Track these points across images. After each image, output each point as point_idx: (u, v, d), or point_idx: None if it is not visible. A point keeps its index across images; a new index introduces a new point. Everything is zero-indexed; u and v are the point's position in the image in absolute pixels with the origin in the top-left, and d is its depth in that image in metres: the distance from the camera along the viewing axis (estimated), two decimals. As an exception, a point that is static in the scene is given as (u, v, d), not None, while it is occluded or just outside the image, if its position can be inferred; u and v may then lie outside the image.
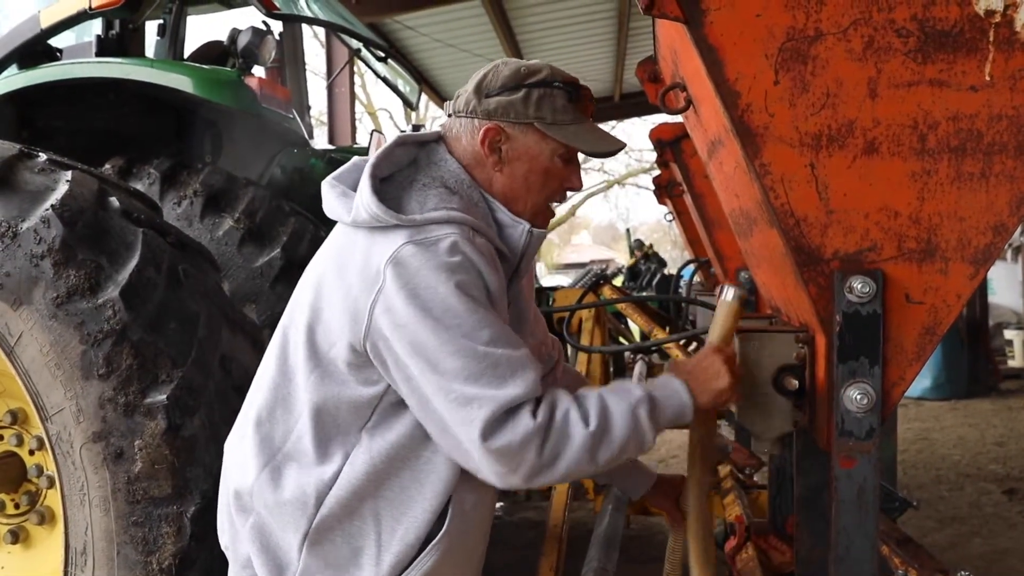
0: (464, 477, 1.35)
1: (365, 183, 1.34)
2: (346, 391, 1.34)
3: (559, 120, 1.42)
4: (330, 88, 7.06)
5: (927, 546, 1.77)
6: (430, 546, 1.33)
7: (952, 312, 1.18)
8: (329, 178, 1.46)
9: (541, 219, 1.48)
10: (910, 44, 1.14)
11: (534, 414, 1.26)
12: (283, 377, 1.40)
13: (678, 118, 1.75)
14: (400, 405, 1.35)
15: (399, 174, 1.43)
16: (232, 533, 1.46)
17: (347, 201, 1.38)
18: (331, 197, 1.43)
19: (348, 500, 1.33)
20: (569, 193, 1.55)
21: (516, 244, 1.44)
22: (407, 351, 1.26)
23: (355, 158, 1.49)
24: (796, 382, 1.33)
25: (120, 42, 2.83)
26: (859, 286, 1.17)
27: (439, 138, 1.49)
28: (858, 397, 1.19)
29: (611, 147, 1.47)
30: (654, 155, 3.57)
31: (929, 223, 1.17)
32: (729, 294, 1.41)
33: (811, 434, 1.35)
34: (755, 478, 2.84)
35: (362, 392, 1.34)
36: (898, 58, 1.14)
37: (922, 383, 7.65)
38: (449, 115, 1.49)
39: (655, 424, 1.32)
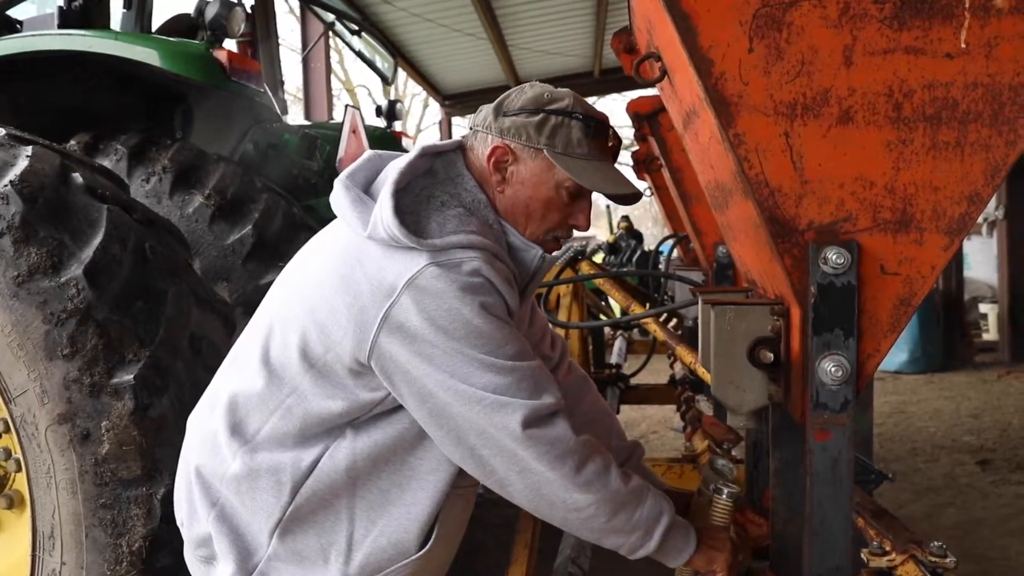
0: (453, 496, 1.35)
1: (387, 202, 1.28)
2: (342, 393, 1.32)
3: (571, 152, 1.38)
4: (305, 63, 6.96)
5: (902, 517, 1.78)
6: (410, 559, 1.33)
7: (927, 283, 1.17)
8: (343, 176, 1.38)
9: (545, 248, 1.47)
10: (886, 11, 1.11)
11: (567, 424, 1.30)
12: (267, 369, 1.36)
13: (655, 90, 1.72)
14: (398, 409, 1.33)
15: (416, 183, 1.38)
16: (190, 511, 1.42)
17: (363, 210, 1.32)
18: (345, 201, 1.35)
19: (324, 494, 1.32)
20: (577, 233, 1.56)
21: (528, 267, 1.44)
22: (424, 369, 1.25)
23: (369, 152, 1.44)
24: (771, 355, 1.32)
25: (84, 14, 2.75)
26: (834, 257, 1.16)
27: (459, 147, 1.47)
28: (833, 369, 1.18)
29: (622, 190, 1.42)
30: (632, 132, 3.54)
31: (904, 193, 1.16)
32: (723, 493, 1.54)
33: (786, 407, 1.34)
34: (733, 452, 2.86)
35: (362, 396, 1.32)
36: (874, 25, 1.12)
37: (899, 357, 7.75)
38: (471, 128, 1.48)
39: (664, 539, 1.38)
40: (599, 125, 1.41)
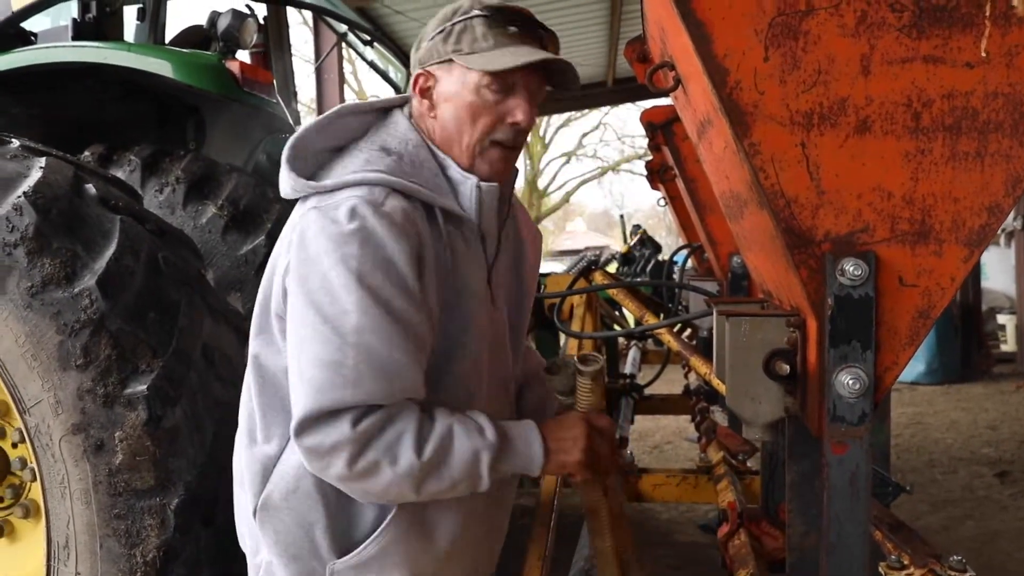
0: None
1: (284, 154, 1.28)
2: (280, 360, 1.28)
3: (478, 48, 1.28)
4: (318, 73, 6.99)
5: (920, 529, 1.76)
6: (380, 529, 1.27)
7: (946, 295, 1.15)
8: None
9: (487, 166, 1.32)
10: (904, 19, 1.10)
11: (356, 423, 1.15)
12: (253, 363, 1.36)
13: (669, 100, 1.71)
14: None
15: (352, 144, 1.33)
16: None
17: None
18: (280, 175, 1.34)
19: (292, 477, 1.28)
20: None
21: (468, 202, 1.32)
22: (290, 324, 1.21)
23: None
24: (787, 367, 1.30)
25: (97, 25, 2.77)
26: (851, 269, 1.14)
27: (406, 102, 1.40)
28: (850, 382, 1.16)
29: (531, 58, 1.27)
30: (646, 141, 3.53)
31: (923, 204, 1.14)
32: (586, 368, 1.37)
33: (802, 420, 1.33)
34: (748, 463, 2.83)
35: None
36: (892, 34, 1.10)
37: (916, 368, 7.67)
38: None
39: (495, 472, 1.26)
40: (500, 12, 1.31)
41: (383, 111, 1.39)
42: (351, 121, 1.35)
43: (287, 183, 1.27)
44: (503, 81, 1.29)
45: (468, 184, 1.31)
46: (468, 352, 1.32)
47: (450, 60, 1.31)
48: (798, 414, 1.33)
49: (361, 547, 1.27)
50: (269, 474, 1.30)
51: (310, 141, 1.31)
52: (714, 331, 1.57)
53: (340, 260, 1.15)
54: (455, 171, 1.31)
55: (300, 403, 1.16)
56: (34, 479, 2.06)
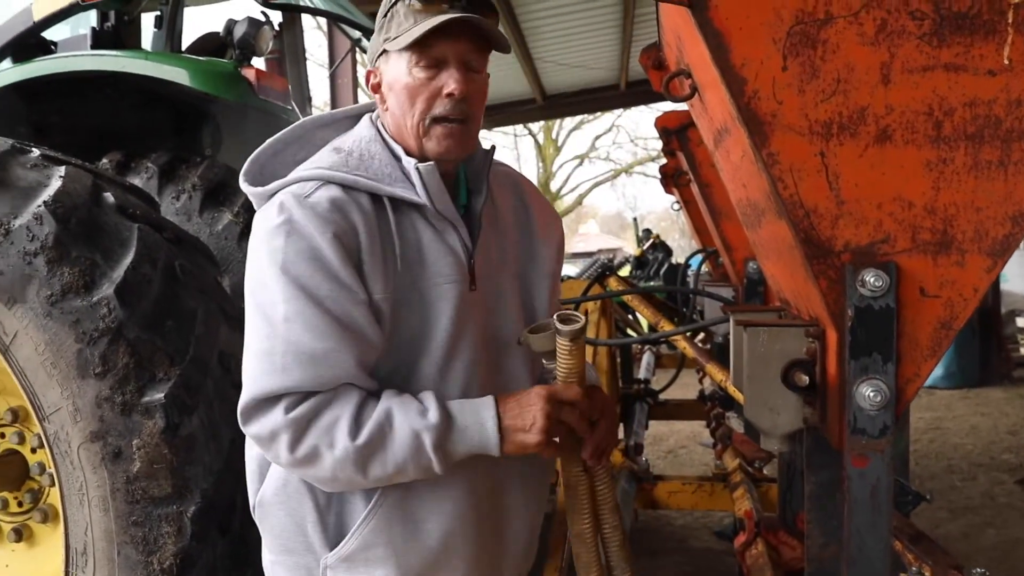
0: None
1: (244, 167, 1.33)
2: None
3: (401, 31, 1.27)
4: (332, 78, 7.02)
5: (940, 538, 1.74)
6: (359, 522, 1.27)
7: (969, 306, 1.14)
8: None
9: (435, 143, 1.30)
10: (925, 27, 1.09)
11: (289, 409, 1.18)
12: None
13: (683, 106, 1.70)
14: None
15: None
16: None
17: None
18: None
19: (282, 473, 1.30)
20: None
21: (414, 184, 1.29)
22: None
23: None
24: (806, 378, 1.29)
25: (115, 34, 2.80)
26: (872, 279, 1.13)
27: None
28: (871, 394, 1.14)
29: (445, 16, 1.24)
30: (660, 143, 3.51)
31: (945, 214, 1.12)
32: (565, 327, 1.24)
33: (822, 431, 1.31)
34: (764, 470, 2.81)
35: None
36: (912, 42, 1.09)
37: (934, 371, 7.57)
38: None
39: (443, 454, 1.21)
40: None
41: (355, 118, 1.41)
42: (323, 133, 1.39)
43: (247, 193, 1.33)
44: (429, 56, 1.27)
45: (411, 167, 1.29)
46: (438, 335, 1.29)
47: (385, 51, 1.32)
48: (817, 425, 1.32)
49: (345, 540, 1.27)
50: (264, 471, 1.32)
51: (266, 155, 1.36)
52: (731, 340, 1.56)
53: (268, 253, 1.20)
54: (406, 160, 1.30)
55: (242, 393, 1.21)
56: (52, 484, 2.07)
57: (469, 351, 1.32)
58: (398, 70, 1.29)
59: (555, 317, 1.26)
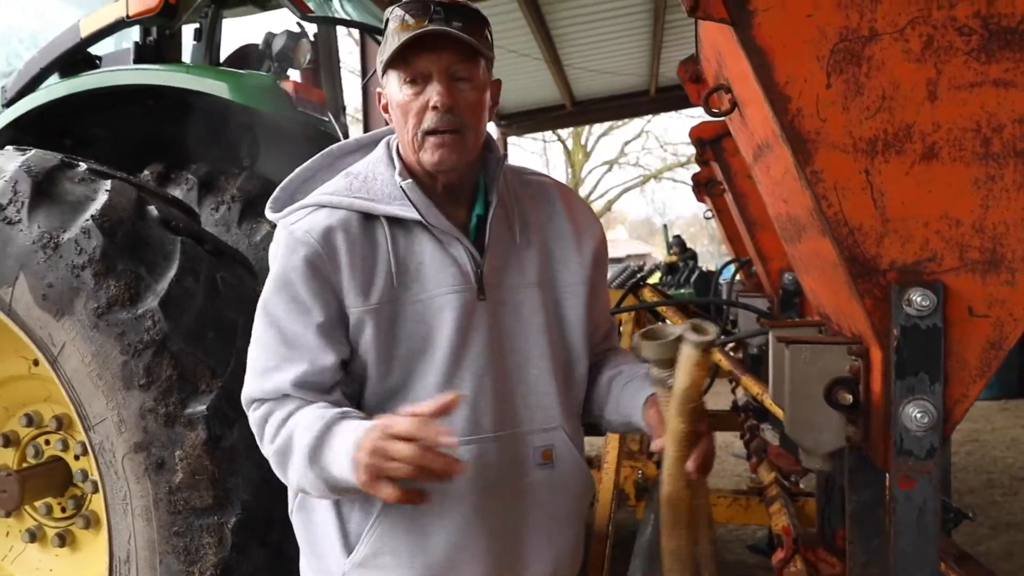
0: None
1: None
2: None
3: (391, 50, 1.29)
4: (364, 89, 7.07)
5: (981, 555, 1.70)
6: (366, 529, 1.31)
7: (1020, 325, 1.12)
8: None
9: (428, 156, 1.31)
10: (973, 43, 1.07)
11: (253, 414, 1.33)
12: None
13: (719, 117, 1.69)
14: None
15: None
16: None
17: None
18: None
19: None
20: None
21: (404, 202, 1.32)
22: None
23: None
24: (850, 396, 1.27)
25: (157, 48, 2.85)
26: (918, 299, 1.11)
27: None
28: (918, 415, 1.13)
29: (405, 38, 1.25)
30: (690, 149, 3.50)
31: (994, 232, 1.10)
32: (696, 337, 1.13)
33: (866, 451, 1.29)
34: (801, 484, 2.78)
35: None
36: (959, 58, 1.08)
37: (971, 381, 7.42)
38: None
39: (327, 476, 1.22)
40: (401, 8, 1.29)
41: (378, 141, 1.44)
42: (351, 159, 1.43)
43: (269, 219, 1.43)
44: (413, 71, 1.29)
45: (400, 186, 1.33)
46: (442, 344, 1.30)
47: (384, 74, 1.35)
48: (860, 444, 1.30)
49: (357, 546, 1.31)
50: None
51: (295, 184, 1.42)
52: (770, 356, 1.54)
53: (273, 274, 1.31)
54: (406, 177, 1.34)
55: (245, 389, 1.36)
56: (95, 491, 2.11)
57: (477, 360, 1.33)
58: (392, 89, 1.33)
59: (688, 324, 1.16)
